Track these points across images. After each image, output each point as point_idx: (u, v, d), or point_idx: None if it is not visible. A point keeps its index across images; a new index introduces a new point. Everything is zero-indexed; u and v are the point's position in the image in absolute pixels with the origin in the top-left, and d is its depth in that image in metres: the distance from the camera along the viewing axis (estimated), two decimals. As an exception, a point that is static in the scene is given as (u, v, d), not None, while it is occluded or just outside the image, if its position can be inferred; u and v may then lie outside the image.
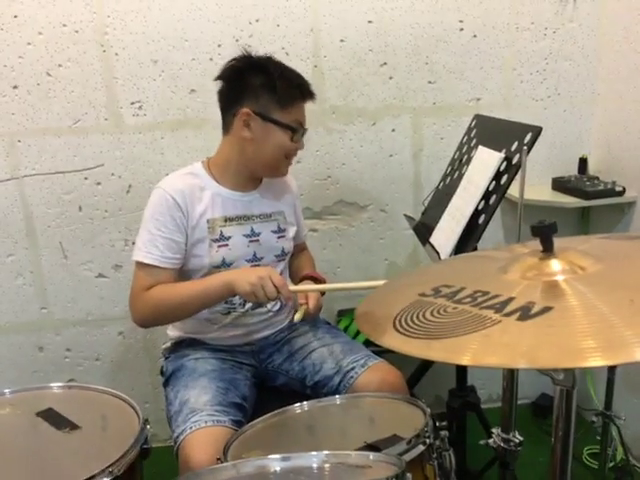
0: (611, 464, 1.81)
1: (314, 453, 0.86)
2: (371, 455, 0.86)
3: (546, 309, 0.64)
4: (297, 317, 1.43)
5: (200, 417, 1.24)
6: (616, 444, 1.85)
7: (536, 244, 0.80)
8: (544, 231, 0.75)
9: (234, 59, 1.41)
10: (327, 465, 0.84)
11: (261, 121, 1.36)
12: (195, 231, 1.39)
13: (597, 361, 0.54)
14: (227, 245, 1.42)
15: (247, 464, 0.86)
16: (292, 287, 1.34)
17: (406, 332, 0.67)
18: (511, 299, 0.68)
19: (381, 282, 1.28)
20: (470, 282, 0.76)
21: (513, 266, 0.78)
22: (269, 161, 1.42)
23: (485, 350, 0.60)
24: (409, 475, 0.77)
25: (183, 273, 1.43)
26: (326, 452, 0.85)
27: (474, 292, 0.72)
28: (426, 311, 0.71)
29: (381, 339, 0.68)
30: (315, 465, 0.84)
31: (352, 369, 1.39)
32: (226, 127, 1.43)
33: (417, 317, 0.70)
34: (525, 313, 0.64)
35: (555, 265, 0.75)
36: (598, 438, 1.74)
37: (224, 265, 1.42)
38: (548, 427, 2.10)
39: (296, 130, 1.39)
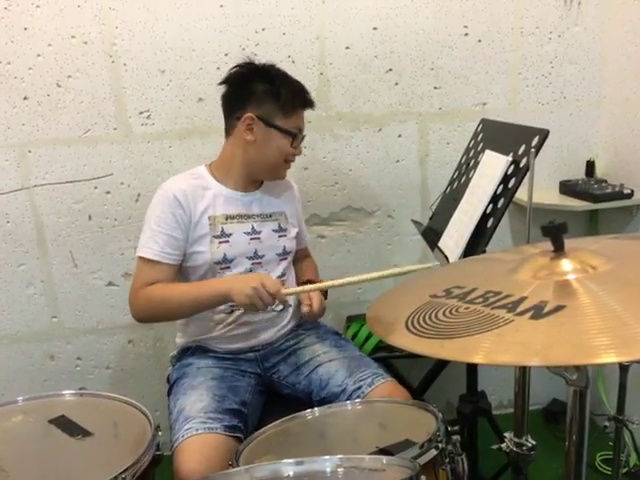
0: (624, 470, 1.79)
1: (327, 457, 0.86)
2: (384, 459, 0.86)
3: (559, 307, 0.64)
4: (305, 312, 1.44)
5: (192, 424, 1.25)
6: (629, 449, 1.83)
7: (545, 245, 0.81)
8: (555, 231, 0.75)
9: (238, 65, 1.46)
10: (341, 469, 0.84)
11: (264, 126, 1.41)
12: (197, 228, 1.42)
13: (611, 357, 0.54)
14: (228, 242, 1.44)
15: (260, 469, 0.86)
16: (286, 290, 1.34)
17: (418, 332, 0.67)
18: (523, 298, 0.68)
19: (375, 274, 1.29)
20: (481, 283, 0.77)
21: (524, 266, 0.78)
22: (269, 164, 1.47)
23: (498, 349, 0.60)
24: (423, 477, 0.77)
25: (185, 270, 1.46)
26: (339, 456, 0.85)
27: (486, 292, 0.72)
28: (438, 311, 0.71)
29: (393, 339, 0.68)
30: (329, 469, 0.84)
31: (359, 388, 1.38)
32: (229, 130, 1.48)
33: (429, 317, 0.70)
34: (538, 312, 0.64)
35: (566, 265, 0.75)
36: (611, 444, 1.72)
37: (225, 261, 1.44)
38: (560, 433, 2.08)
39: (296, 136, 1.44)
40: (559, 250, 0.76)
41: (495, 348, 0.60)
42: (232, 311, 1.46)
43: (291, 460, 0.86)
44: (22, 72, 1.77)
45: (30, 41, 1.75)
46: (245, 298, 1.28)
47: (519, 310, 0.66)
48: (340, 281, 1.34)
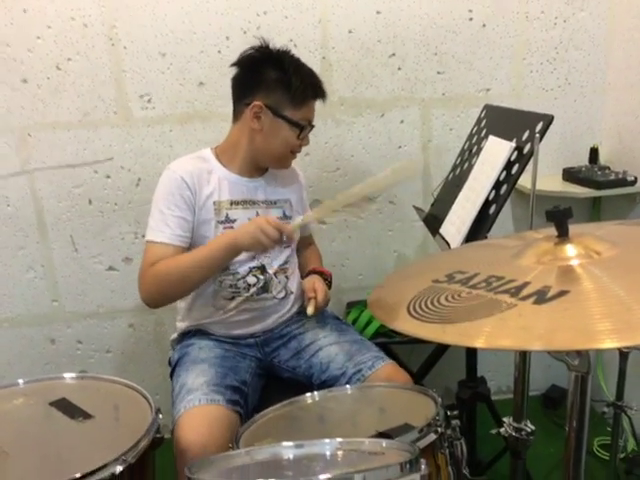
0: (622, 455, 1.81)
1: (327, 440, 0.86)
2: (384, 442, 0.86)
3: (562, 293, 0.63)
4: (310, 310, 1.44)
5: (194, 396, 1.26)
6: (627, 435, 1.84)
7: (549, 232, 0.80)
8: (559, 216, 0.75)
9: (253, 48, 1.41)
10: (340, 452, 0.84)
11: (272, 115, 1.38)
12: (202, 212, 1.41)
13: (614, 342, 0.54)
14: (232, 227, 1.43)
15: (261, 451, 0.87)
16: (292, 224, 1.33)
17: (421, 317, 0.66)
18: (526, 284, 0.68)
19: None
20: (484, 268, 0.76)
21: (528, 251, 0.77)
22: (274, 154, 1.45)
23: (500, 333, 0.60)
24: (423, 461, 0.77)
25: None
26: (339, 439, 0.86)
27: (488, 277, 0.72)
28: (440, 296, 0.71)
29: (395, 324, 0.68)
30: (328, 452, 0.84)
31: (359, 371, 1.38)
32: (236, 115, 1.45)
33: (431, 302, 0.70)
34: (541, 297, 0.63)
35: (570, 250, 0.74)
36: (609, 429, 1.73)
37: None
38: (558, 419, 2.10)
39: (304, 128, 1.41)
40: (563, 235, 0.75)
41: (498, 333, 0.60)
42: (233, 297, 1.46)
43: (291, 443, 0.86)
44: (21, 55, 1.75)
45: (29, 23, 1.73)
46: (248, 237, 1.26)
47: (522, 295, 0.65)
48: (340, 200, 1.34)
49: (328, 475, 0.71)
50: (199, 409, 1.23)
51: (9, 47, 1.74)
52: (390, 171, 1.34)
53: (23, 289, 1.94)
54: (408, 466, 0.74)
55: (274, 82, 1.37)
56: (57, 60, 1.77)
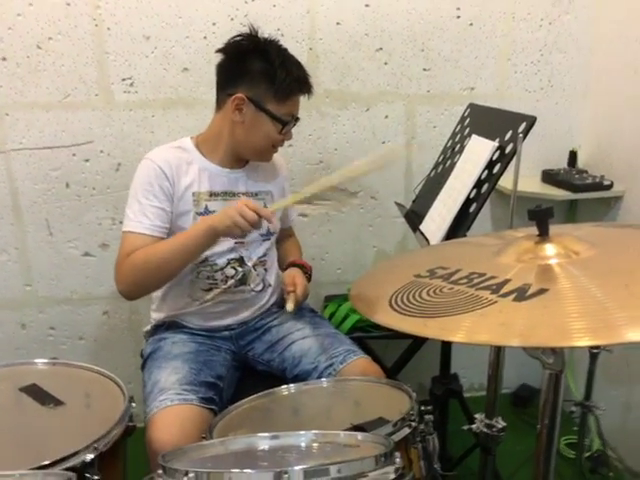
0: (587, 454, 1.85)
1: (303, 432, 0.86)
2: (359, 435, 0.87)
3: (542, 291, 0.64)
4: (289, 307, 1.43)
5: (167, 396, 1.24)
6: (593, 435, 1.88)
7: (529, 230, 0.81)
8: (541, 215, 0.76)
9: (240, 35, 1.38)
10: (315, 444, 0.84)
11: (254, 108, 1.35)
12: (180, 202, 1.39)
13: (592, 340, 0.55)
14: None
15: (235, 441, 0.86)
16: (271, 207, 1.32)
17: (402, 310, 0.67)
18: (507, 281, 0.69)
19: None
20: (465, 264, 0.77)
21: (508, 249, 0.78)
22: (255, 147, 1.43)
23: (480, 328, 0.61)
24: (397, 454, 0.78)
25: None
26: (315, 431, 0.86)
27: (470, 274, 0.73)
28: (422, 291, 0.71)
29: (377, 317, 0.68)
30: (304, 444, 0.85)
31: (330, 365, 1.38)
32: (219, 104, 1.42)
33: (413, 297, 0.70)
34: (521, 294, 0.64)
35: (550, 249, 0.75)
36: (575, 429, 1.76)
37: None
38: (527, 417, 2.13)
39: (287, 123, 1.38)
40: (544, 234, 0.76)
41: (478, 328, 0.61)
42: (210, 289, 1.45)
43: (266, 434, 0.86)
44: (1, 31, 1.70)
45: (9, 0, 1.68)
46: (227, 220, 1.23)
47: (503, 292, 0.66)
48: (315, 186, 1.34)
49: (303, 466, 0.71)
50: (172, 409, 1.21)
51: (-12, 23, 1.69)
52: (371, 157, 1.33)
53: (-5, 272, 1.89)
54: (383, 459, 0.75)
55: (259, 74, 1.33)
56: (38, 39, 1.72)
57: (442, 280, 0.73)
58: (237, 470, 0.70)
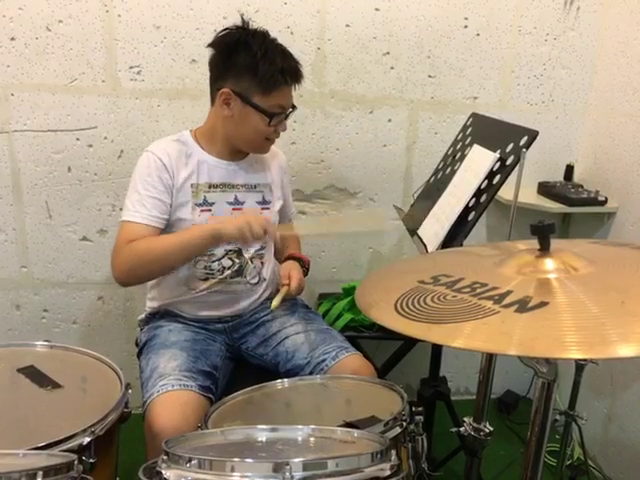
0: (568, 462, 1.89)
1: (300, 427, 0.88)
2: (355, 432, 0.89)
3: (543, 304, 0.67)
4: (275, 303, 1.40)
5: (167, 381, 1.26)
6: (574, 444, 1.93)
7: (529, 243, 0.84)
8: (543, 230, 0.78)
9: (228, 28, 1.38)
10: (312, 439, 0.87)
11: (241, 102, 1.36)
12: (179, 194, 1.41)
13: (582, 354, 0.58)
14: (210, 210, 1.44)
15: (235, 432, 0.88)
16: (278, 228, 1.36)
17: (408, 315, 0.69)
18: (509, 292, 0.71)
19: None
20: (468, 273, 0.79)
21: (509, 261, 0.81)
22: (247, 140, 1.44)
23: (482, 336, 0.63)
24: (393, 452, 0.80)
25: None
26: (312, 426, 0.88)
27: (473, 283, 0.75)
28: (427, 297, 0.73)
29: (384, 320, 0.70)
30: (301, 438, 0.87)
31: (323, 361, 1.40)
32: (212, 98, 1.44)
33: (418, 302, 0.72)
34: (523, 306, 0.67)
35: (550, 264, 0.78)
36: (557, 437, 1.80)
37: None
38: (511, 423, 2.18)
39: (275, 115, 1.38)
40: (545, 249, 0.79)
41: (480, 335, 0.63)
42: (207, 278, 1.46)
43: (265, 426, 0.88)
44: (12, 11, 1.70)
45: (22, -20, 1.68)
46: (234, 229, 1.29)
47: (505, 302, 0.69)
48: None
49: (302, 459, 0.74)
50: (172, 394, 1.23)
51: (0, 2, 1.69)
52: (359, 215, 1.37)
53: (-9, 251, 1.90)
54: (379, 456, 0.77)
55: (243, 67, 1.33)
56: (48, 21, 1.73)
57: (445, 287, 0.76)
58: (239, 459, 0.72)
